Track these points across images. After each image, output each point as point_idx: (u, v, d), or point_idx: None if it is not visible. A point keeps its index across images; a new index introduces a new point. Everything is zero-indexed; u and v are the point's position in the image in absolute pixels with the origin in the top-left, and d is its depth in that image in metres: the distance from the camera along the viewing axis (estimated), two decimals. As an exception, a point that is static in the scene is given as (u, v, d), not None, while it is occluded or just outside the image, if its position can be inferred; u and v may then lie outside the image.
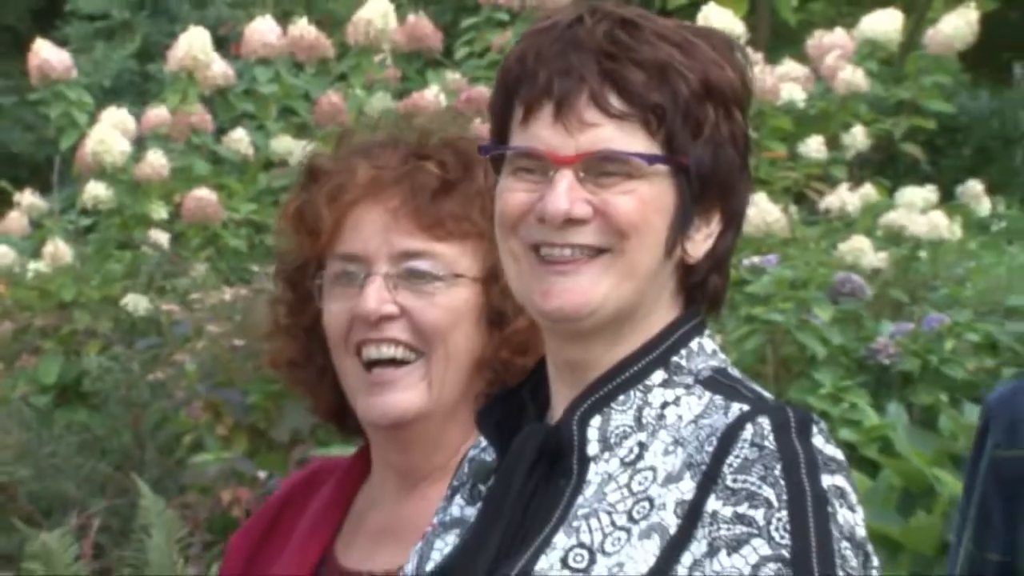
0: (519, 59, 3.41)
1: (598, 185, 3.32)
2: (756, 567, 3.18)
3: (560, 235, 3.33)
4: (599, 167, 3.32)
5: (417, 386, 4.03)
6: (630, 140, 3.32)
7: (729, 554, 3.20)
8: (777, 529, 3.21)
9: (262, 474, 9.44)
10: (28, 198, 11.51)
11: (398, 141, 3.93)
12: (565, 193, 3.31)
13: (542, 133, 3.34)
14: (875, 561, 3.26)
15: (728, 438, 3.26)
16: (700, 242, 3.39)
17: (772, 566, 3.19)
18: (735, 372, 3.40)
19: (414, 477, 4.13)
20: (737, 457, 3.25)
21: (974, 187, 10.69)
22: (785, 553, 3.20)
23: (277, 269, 4.34)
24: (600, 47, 3.33)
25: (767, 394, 3.34)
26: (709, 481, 3.25)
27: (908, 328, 9.39)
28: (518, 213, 3.37)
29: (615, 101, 3.31)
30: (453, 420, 4.06)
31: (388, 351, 4.02)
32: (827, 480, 3.26)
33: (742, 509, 3.24)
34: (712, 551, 3.22)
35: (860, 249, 9.73)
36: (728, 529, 3.23)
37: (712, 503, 3.23)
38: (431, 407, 3.96)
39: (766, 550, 3.20)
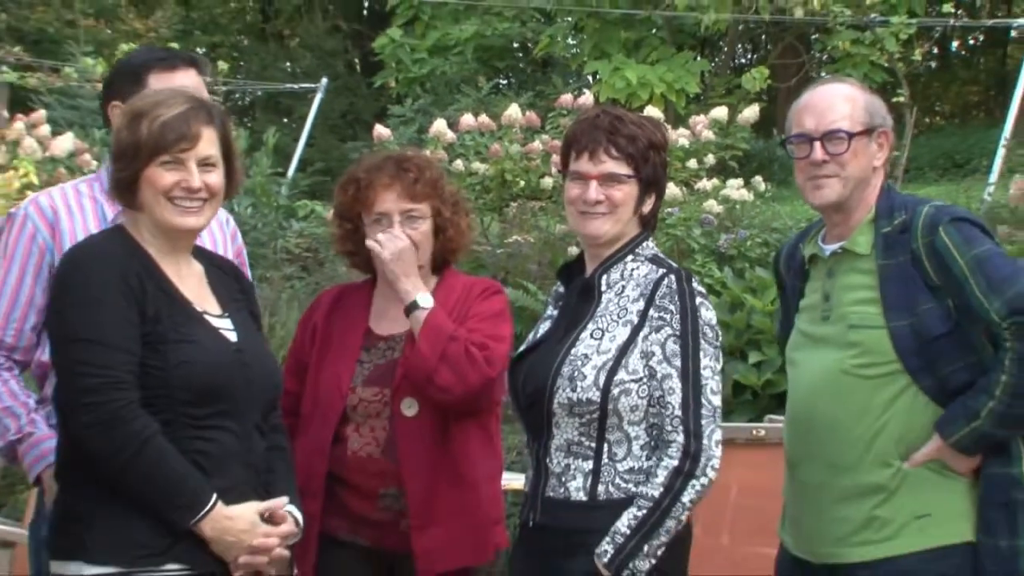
0: (573, 132, 3.41)
1: (606, 186, 3.32)
2: (666, 338, 3.19)
3: (590, 207, 3.31)
4: (607, 179, 3.32)
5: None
6: (619, 167, 3.33)
7: (656, 332, 3.20)
8: (676, 323, 3.19)
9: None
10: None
11: None
12: (594, 191, 3.32)
13: (583, 165, 3.34)
14: (719, 335, 3.27)
15: (657, 284, 3.24)
16: (647, 207, 3.37)
17: (673, 337, 3.18)
18: (660, 254, 3.39)
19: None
20: (661, 293, 3.22)
21: (758, 180, 10.34)
22: (678, 333, 3.19)
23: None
24: (606, 128, 3.33)
25: (674, 264, 3.34)
26: (649, 303, 3.23)
27: (731, 237, 9.11)
28: (573, 197, 3.35)
29: (613, 151, 3.32)
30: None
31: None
32: (698, 299, 3.23)
33: (661, 314, 3.21)
34: (650, 331, 3.20)
35: (711, 205, 9.45)
36: (656, 323, 3.21)
37: (651, 312, 3.21)
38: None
39: (670, 331, 3.19)
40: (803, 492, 3.32)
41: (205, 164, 3.07)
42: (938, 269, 3.15)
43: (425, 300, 3.50)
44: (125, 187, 3.07)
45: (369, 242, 3.56)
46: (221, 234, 3.72)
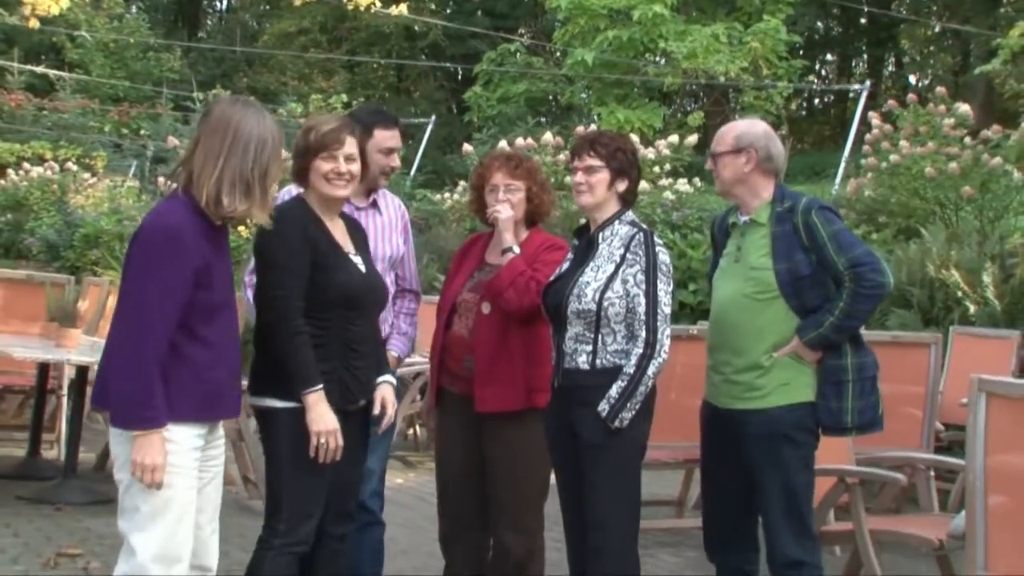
0: (575, 143, 3.24)
1: (588, 174, 3.14)
2: (637, 271, 3.04)
3: (579, 187, 3.15)
4: (590, 169, 3.14)
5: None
6: (594, 162, 3.14)
7: (631, 267, 3.05)
8: (643, 262, 3.04)
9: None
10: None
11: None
12: (580, 176, 3.15)
13: (576, 162, 3.17)
14: (671, 270, 3.09)
15: (632, 237, 3.08)
16: (620, 188, 3.16)
17: (641, 271, 3.04)
18: (636, 220, 3.17)
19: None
20: (634, 243, 3.06)
21: (696, 180, 10.10)
22: (644, 268, 3.04)
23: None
24: (590, 140, 3.17)
25: (644, 226, 3.14)
26: (627, 249, 3.06)
27: (680, 214, 9.01)
28: (572, 182, 3.19)
29: (591, 153, 3.15)
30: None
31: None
32: (658, 248, 3.06)
33: (634, 256, 3.05)
34: (627, 267, 3.05)
35: (668, 195, 9.36)
36: (630, 261, 3.05)
37: (628, 255, 3.05)
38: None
39: (639, 267, 3.04)
40: (716, 366, 3.32)
41: (349, 158, 3.01)
42: (808, 236, 3.13)
43: (515, 249, 3.40)
44: (301, 173, 3.04)
45: (490, 210, 3.44)
46: (397, 212, 3.65)
